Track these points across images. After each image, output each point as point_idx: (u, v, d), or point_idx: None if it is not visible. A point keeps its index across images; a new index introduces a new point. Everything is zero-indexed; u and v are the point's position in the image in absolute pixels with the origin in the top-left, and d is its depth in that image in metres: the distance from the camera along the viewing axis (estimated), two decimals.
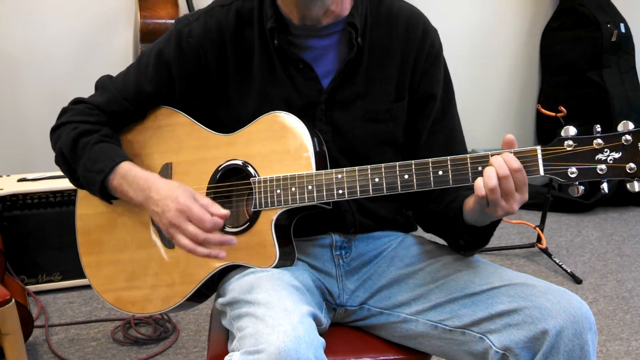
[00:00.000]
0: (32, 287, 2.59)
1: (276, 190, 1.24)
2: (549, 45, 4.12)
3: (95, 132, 1.32)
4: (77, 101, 1.40)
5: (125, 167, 1.28)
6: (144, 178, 1.26)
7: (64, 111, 1.39)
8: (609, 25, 3.82)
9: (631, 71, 3.97)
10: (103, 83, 1.39)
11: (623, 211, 3.80)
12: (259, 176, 1.26)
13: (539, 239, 3.06)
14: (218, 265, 1.28)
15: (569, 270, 2.87)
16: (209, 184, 1.31)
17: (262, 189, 1.25)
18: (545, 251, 3.02)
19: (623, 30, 3.90)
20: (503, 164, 1.07)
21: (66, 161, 1.34)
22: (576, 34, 3.93)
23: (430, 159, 1.15)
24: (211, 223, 1.17)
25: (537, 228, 3.08)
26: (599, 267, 2.99)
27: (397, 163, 1.17)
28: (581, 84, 3.90)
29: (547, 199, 3.04)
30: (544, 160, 1.09)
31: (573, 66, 3.95)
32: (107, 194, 1.31)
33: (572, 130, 1.08)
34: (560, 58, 4.04)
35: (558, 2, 4.05)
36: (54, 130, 1.37)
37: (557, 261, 2.95)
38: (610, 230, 3.50)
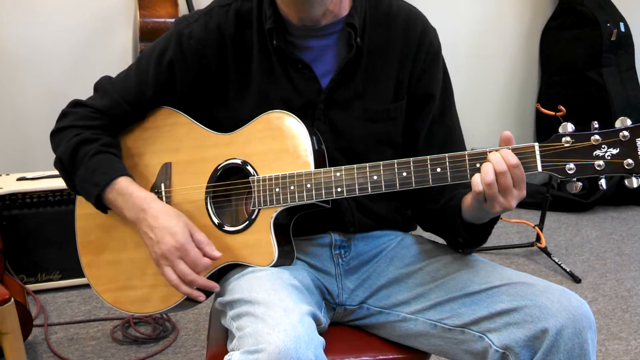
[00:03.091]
0: (32, 286, 2.59)
1: (275, 188, 1.24)
2: (549, 44, 4.12)
3: (95, 141, 1.31)
4: (76, 104, 1.38)
5: (123, 183, 1.27)
6: (141, 198, 1.26)
7: (63, 114, 1.37)
8: (608, 25, 3.81)
9: (631, 70, 3.97)
10: (103, 85, 1.38)
11: (622, 210, 3.80)
12: (258, 175, 1.26)
13: (538, 238, 3.06)
14: (217, 264, 1.28)
15: (568, 270, 2.87)
16: (208, 183, 1.31)
17: (261, 188, 1.25)
18: (544, 250, 3.02)
19: (623, 29, 3.89)
20: (501, 159, 1.08)
21: (64, 168, 1.33)
22: (576, 33, 3.93)
23: (428, 157, 1.15)
24: (203, 267, 1.22)
25: (537, 227, 3.08)
26: (598, 267, 2.99)
27: (396, 161, 1.17)
28: (581, 83, 3.90)
29: (546, 198, 3.04)
30: (541, 156, 1.09)
31: (572, 65, 3.95)
32: (102, 205, 1.31)
33: (569, 127, 1.08)
34: (560, 57, 4.04)
35: (558, 1, 4.05)
36: (54, 134, 1.36)
37: (557, 260, 2.95)
38: (610, 230, 3.50)
